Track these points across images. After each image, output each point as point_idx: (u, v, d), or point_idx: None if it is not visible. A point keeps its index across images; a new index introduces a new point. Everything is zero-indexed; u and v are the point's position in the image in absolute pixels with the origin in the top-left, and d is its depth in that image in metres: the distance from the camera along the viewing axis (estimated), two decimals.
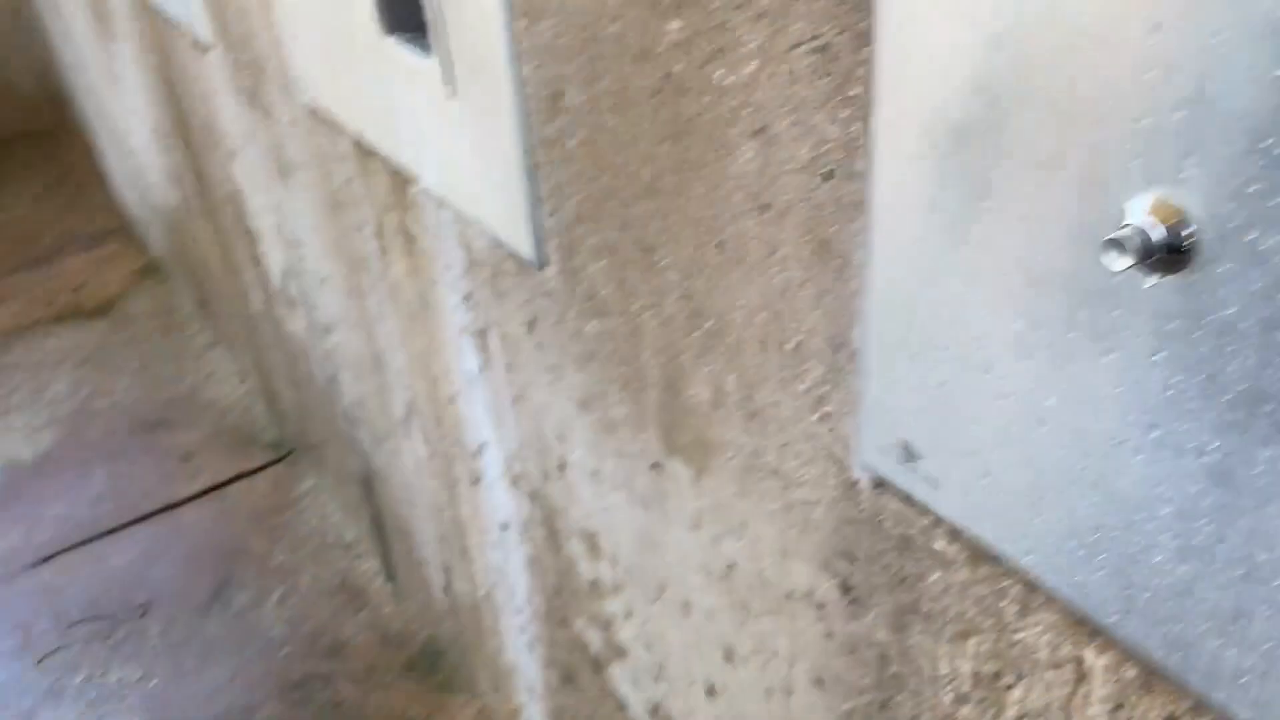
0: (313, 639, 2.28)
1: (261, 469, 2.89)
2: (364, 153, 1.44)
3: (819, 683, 0.90)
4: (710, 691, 1.10)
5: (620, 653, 1.30)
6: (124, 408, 3.14)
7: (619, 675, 1.34)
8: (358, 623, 2.32)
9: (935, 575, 0.71)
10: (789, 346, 0.77)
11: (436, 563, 1.98)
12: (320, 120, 1.55)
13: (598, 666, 1.39)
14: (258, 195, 2.11)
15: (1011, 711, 0.69)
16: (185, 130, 2.52)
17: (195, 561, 2.53)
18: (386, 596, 2.38)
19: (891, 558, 0.75)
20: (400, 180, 1.36)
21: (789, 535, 0.86)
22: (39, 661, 2.27)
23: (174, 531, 2.65)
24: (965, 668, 0.71)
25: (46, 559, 2.56)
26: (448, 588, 1.98)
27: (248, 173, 2.11)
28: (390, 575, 2.39)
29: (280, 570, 2.49)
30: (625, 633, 1.27)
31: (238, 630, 2.31)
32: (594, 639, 1.37)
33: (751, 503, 0.90)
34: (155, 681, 2.19)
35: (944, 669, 0.73)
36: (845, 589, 0.82)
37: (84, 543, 2.60)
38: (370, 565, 2.47)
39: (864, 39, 0.60)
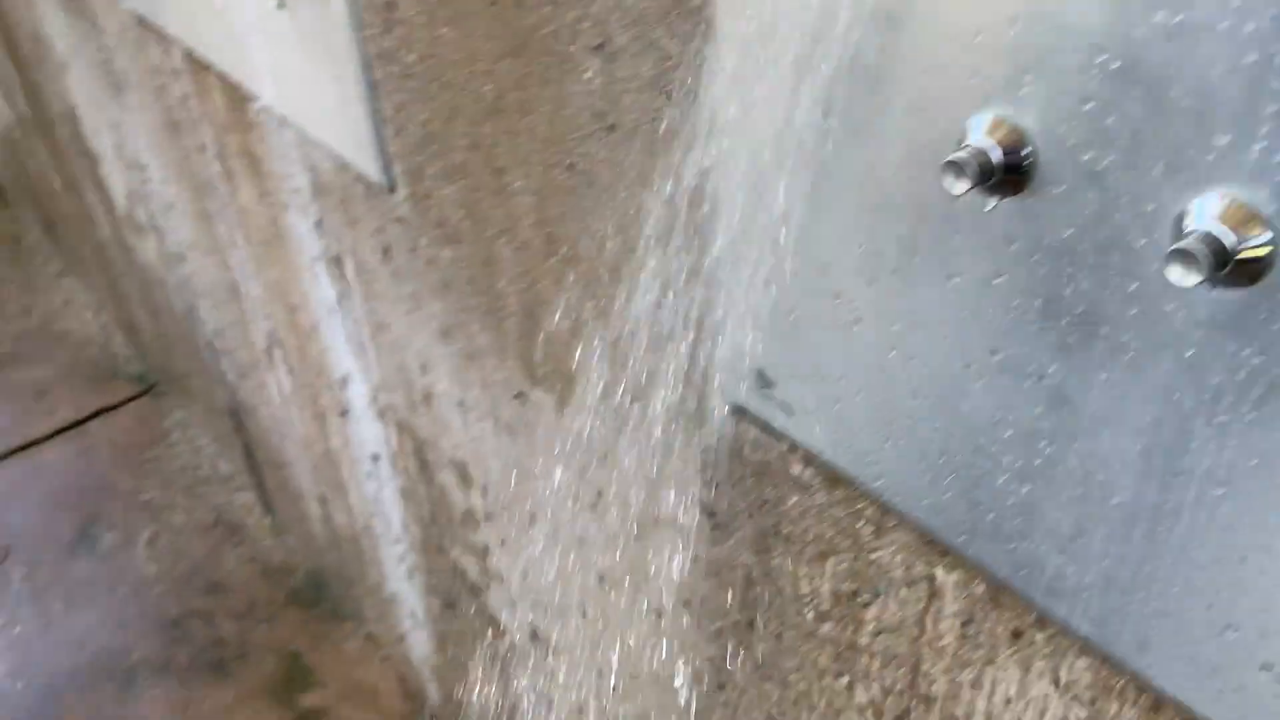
0: (189, 576, 2.21)
1: (124, 403, 2.75)
2: (198, 67, 1.33)
3: (687, 604, 0.90)
4: (584, 614, 1.10)
5: (497, 579, 1.29)
6: None
7: (497, 601, 1.33)
8: (237, 557, 2.25)
9: (794, 499, 0.71)
10: (644, 274, 0.74)
11: (313, 494, 1.93)
12: (149, 30, 1.42)
13: (476, 592, 1.38)
14: (93, 113, 1.95)
15: (869, 627, 0.69)
16: (12, 40, 2.30)
17: (57, 502, 2.40)
18: (266, 530, 2.32)
19: (751, 483, 0.74)
20: (238, 98, 1.26)
21: (653, 463, 0.85)
22: None
23: (32, 472, 2.51)
24: (825, 587, 0.72)
25: None
26: (326, 519, 1.93)
27: (80, 88, 1.95)
28: (268, 508, 2.33)
29: (150, 508, 2.40)
30: (500, 560, 1.26)
31: (107, 571, 2.22)
32: (471, 567, 1.35)
33: (614, 431, 0.88)
34: (20, 628, 2.09)
35: (805, 589, 0.74)
36: (709, 514, 0.81)
37: None
38: (247, 498, 2.39)
39: None
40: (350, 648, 2.03)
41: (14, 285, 3.17)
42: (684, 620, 0.92)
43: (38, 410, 2.71)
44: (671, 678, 0.98)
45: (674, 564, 0.89)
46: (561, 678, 1.23)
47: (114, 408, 2.72)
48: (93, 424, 2.67)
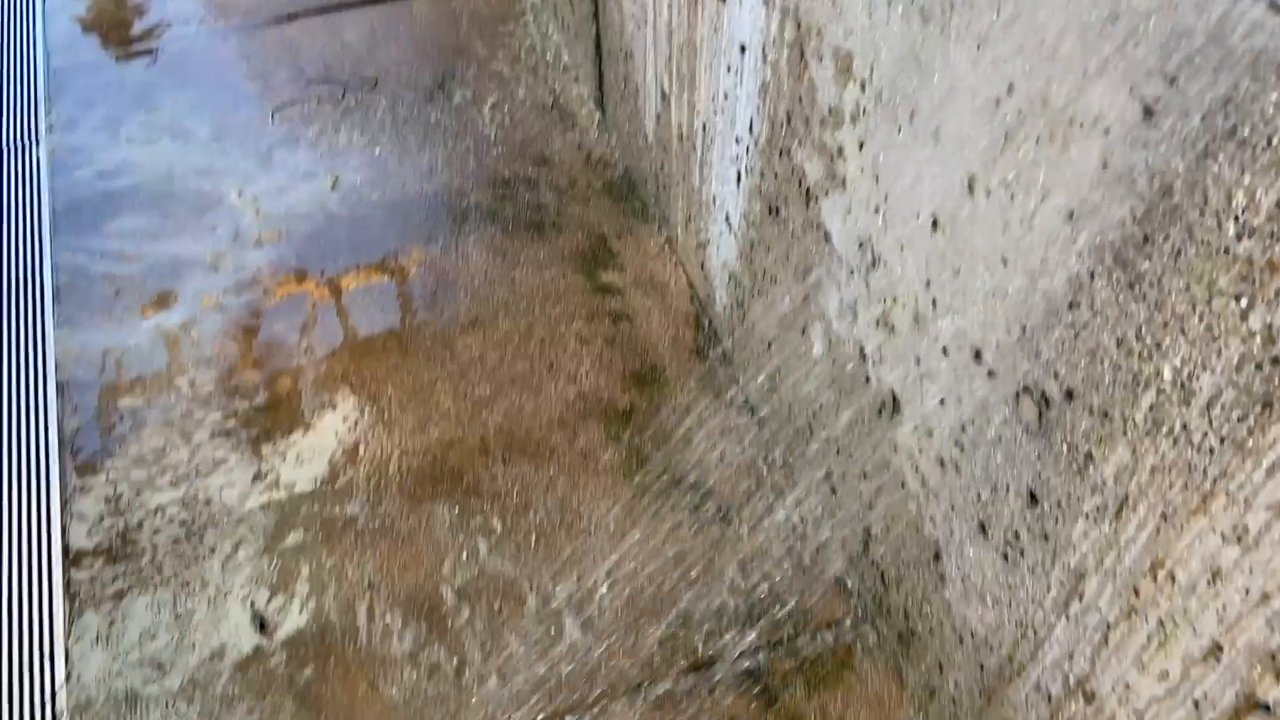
0: (522, 146, 2.37)
1: None
2: None
3: (1070, 215, 0.88)
4: (936, 225, 1.10)
5: (840, 184, 1.31)
6: None
7: (831, 208, 1.35)
8: (565, 141, 2.39)
9: (1275, 95, 0.65)
10: None
11: (655, 90, 1.98)
12: None
13: (810, 199, 1.41)
14: None
15: None
16: None
17: (422, 51, 2.60)
18: (594, 124, 2.43)
19: (1226, 75, 0.69)
20: None
21: (1099, 51, 0.80)
22: (276, 110, 2.45)
23: (404, 19, 2.71)
24: (1267, 200, 0.68)
25: (287, 18, 2.68)
26: (660, 116, 1.99)
27: None
28: (601, 104, 2.42)
29: (498, 77, 2.55)
30: (852, 163, 1.26)
31: (456, 122, 2.42)
32: (814, 170, 1.37)
33: (1067, 12, 0.83)
34: (379, 149, 2.35)
35: (1240, 201, 0.70)
36: (1147, 113, 0.77)
37: (321, 11, 2.69)
38: (583, 91, 2.50)
39: None
40: (650, 244, 2.16)
41: None
42: (1060, 233, 0.90)
43: None
44: (1015, 294, 0.98)
45: (1075, 170, 0.86)
46: (880, 291, 1.26)
47: None
48: None
